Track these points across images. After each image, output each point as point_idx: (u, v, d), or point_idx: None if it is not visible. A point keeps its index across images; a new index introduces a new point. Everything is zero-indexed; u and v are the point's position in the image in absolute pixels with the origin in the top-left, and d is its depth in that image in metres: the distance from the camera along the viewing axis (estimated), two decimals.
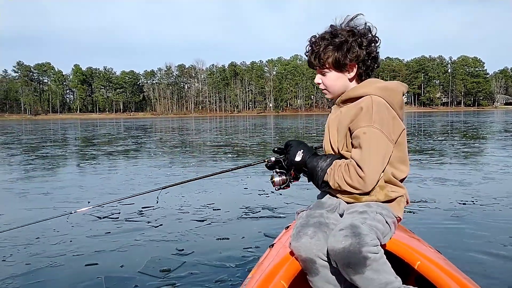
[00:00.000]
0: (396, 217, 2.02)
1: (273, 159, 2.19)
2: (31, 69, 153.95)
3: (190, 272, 3.37)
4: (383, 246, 1.86)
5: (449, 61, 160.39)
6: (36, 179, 8.19)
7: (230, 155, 11.75)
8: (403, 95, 2.10)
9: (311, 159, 2.07)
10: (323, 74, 2.12)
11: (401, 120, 2.04)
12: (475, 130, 22.33)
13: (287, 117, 79.28)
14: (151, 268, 3.45)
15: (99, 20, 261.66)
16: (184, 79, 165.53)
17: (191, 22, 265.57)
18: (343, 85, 2.10)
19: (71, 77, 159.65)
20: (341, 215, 2.04)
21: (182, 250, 3.87)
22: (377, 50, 2.11)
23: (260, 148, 14.06)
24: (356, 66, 2.06)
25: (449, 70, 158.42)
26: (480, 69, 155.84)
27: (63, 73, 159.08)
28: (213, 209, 5.41)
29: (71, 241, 4.20)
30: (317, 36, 2.09)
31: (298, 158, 2.09)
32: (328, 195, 2.16)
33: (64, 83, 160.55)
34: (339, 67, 2.06)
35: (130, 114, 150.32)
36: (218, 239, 4.21)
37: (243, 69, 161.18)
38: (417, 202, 5.51)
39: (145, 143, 17.79)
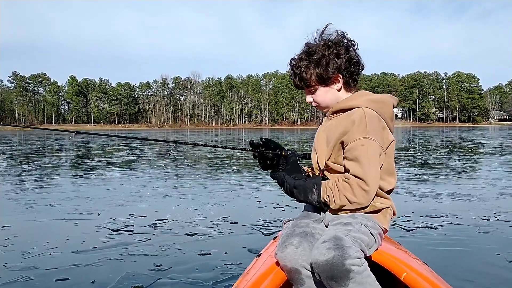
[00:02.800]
0: (382, 229, 2.01)
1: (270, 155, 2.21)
2: (27, 79, 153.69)
3: None
4: (368, 257, 1.86)
5: (444, 77, 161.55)
6: (40, 190, 7.99)
7: (235, 168, 11.59)
8: (393, 108, 2.11)
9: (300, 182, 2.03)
10: (312, 92, 2.14)
11: (391, 132, 2.06)
12: (476, 145, 22.31)
13: (283, 130, 79.22)
14: (123, 285, 3.26)
15: (97, 31, 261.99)
16: (180, 91, 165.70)
17: (189, 35, 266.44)
18: (333, 98, 2.11)
19: (66, 88, 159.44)
20: (327, 226, 2.03)
21: (160, 265, 3.68)
22: (356, 54, 2.09)
23: None
24: (341, 76, 2.07)
25: (444, 86, 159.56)
26: (475, 85, 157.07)
27: (59, 84, 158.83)
28: (208, 223, 5.21)
29: (50, 254, 4.01)
30: (296, 58, 2.12)
31: (291, 182, 2.05)
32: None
33: (59, 94, 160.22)
34: (324, 82, 2.07)
35: (125, 126, 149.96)
36: (200, 254, 3.99)
37: (239, 82, 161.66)
38: (438, 217, 5.37)
39: (144, 154, 17.60)
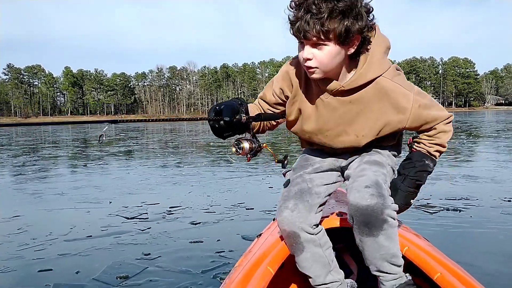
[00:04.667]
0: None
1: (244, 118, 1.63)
2: (22, 71, 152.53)
3: (149, 279, 3.05)
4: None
5: (440, 62, 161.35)
6: (46, 180, 7.86)
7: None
8: None
9: None
10: (318, 48, 1.61)
11: None
12: (477, 129, 22.23)
13: None
14: (108, 275, 3.13)
15: (94, 23, 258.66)
16: (176, 81, 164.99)
17: (185, 25, 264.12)
18: (339, 64, 1.66)
19: (61, 79, 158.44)
20: (341, 168, 1.95)
21: (149, 254, 3.55)
22: (371, 21, 1.65)
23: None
24: (359, 39, 1.62)
25: (440, 71, 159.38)
26: (470, 70, 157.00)
27: (54, 76, 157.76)
28: (224, 209, 5.09)
29: (43, 244, 3.89)
30: None
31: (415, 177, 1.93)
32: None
33: (55, 86, 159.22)
34: (343, 40, 1.58)
35: (121, 116, 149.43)
36: (191, 242, 3.85)
37: (235, 71, 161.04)
38: (458, 199, 5.26)
39: (146, 144, 17.46)
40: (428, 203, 5.07)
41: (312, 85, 1.80)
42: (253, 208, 5.10)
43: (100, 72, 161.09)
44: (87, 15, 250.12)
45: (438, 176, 7.01)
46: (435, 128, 1.82)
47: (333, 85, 1.72)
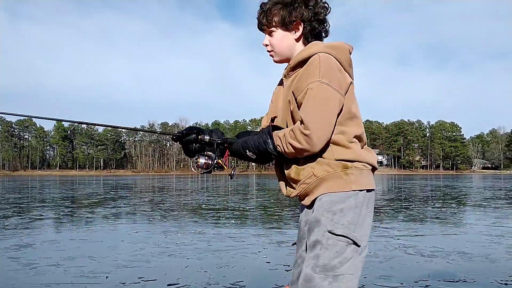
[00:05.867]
0: (357, 191, 1.93)
1: (206, 138, 2.12)
2: (13, 125, 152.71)
3: None
4: None
5: (428, 126, 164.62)
6: (40, 247, 7.76)
7: (233, 221, 11.44)
8: (350, 54, 2.06)
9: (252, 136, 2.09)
10: (270, 35, 2.13)
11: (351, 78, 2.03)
12: (467, 196, 22.43)
13: (270, 176, 79.15)
14: None
15: (87, 78, 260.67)
16: (167, 136, 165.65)
17: (177, 82, 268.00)
18: (288, 46, 2.10)
19: (52, 133, 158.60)
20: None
21: None
22: (325, 15, 2.10)
23: (261, 212, 13.77)
24: (302, 25, 2.06)
25: (427, 134, 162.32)
26: (457, 133, 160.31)
27: (45, 129, 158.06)
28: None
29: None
30: None
31: (249, 141, 2.06)
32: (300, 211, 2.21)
33: (45, 139, 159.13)
34: (285, 25, 2.07)
35: (110, 172, 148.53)
36: None
37: (226, 127, 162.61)
38: (456, 281, 5.30)
39: (137, 205, 17.35)
40: (427, 285, 5.10)
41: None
42: None
43: (91, 127, 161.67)
44: (79, 68, 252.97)
45: (433, 252, 7.06)
46: (296, 126, 1.91)
47: (286, 67, 2.13)
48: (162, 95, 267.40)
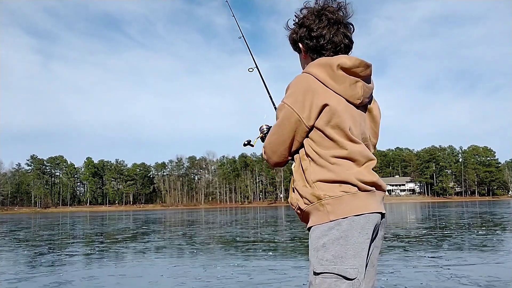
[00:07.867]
0: (345, 218, 1.78)
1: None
2: (44, 162, 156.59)
3: None
4: None
5: (460, 151, 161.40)
6: (80, 284, 7.64)
7: (271, 253, 11.16)
8: (339, 68, 1.87)
9: None
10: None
11: (340, 93, 1.87)
12: (510, 222, 21.60)
13: None
14: None
15: (116, 115, 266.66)
16: (195, 170, 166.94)
17: (204, 116, 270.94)
18: (303, 66, 2.16)
19: (82, 169, 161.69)
20: None
21: None
22: (319, 29, 2.00)
23: (298, 244, 13.45)
24: (301, 44, 2.08)
25: (460, 160, 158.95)
26: (491, 158, 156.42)
27: (75, 166, 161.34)
28: None
29: None
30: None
31: None
32: None
33: (76, 176, 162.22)
34: (294, 47, 2.17)
35: (140, 206, 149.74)
36: None
37: (253, 160, 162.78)
38: None
39: (171, 238, 17.23)
40: None
41: None
42: None
43: (121, 162, 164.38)
44: (108, 106, 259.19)
45: (490, 282, 6.65)
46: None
47: None
48: (189, 130, 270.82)
